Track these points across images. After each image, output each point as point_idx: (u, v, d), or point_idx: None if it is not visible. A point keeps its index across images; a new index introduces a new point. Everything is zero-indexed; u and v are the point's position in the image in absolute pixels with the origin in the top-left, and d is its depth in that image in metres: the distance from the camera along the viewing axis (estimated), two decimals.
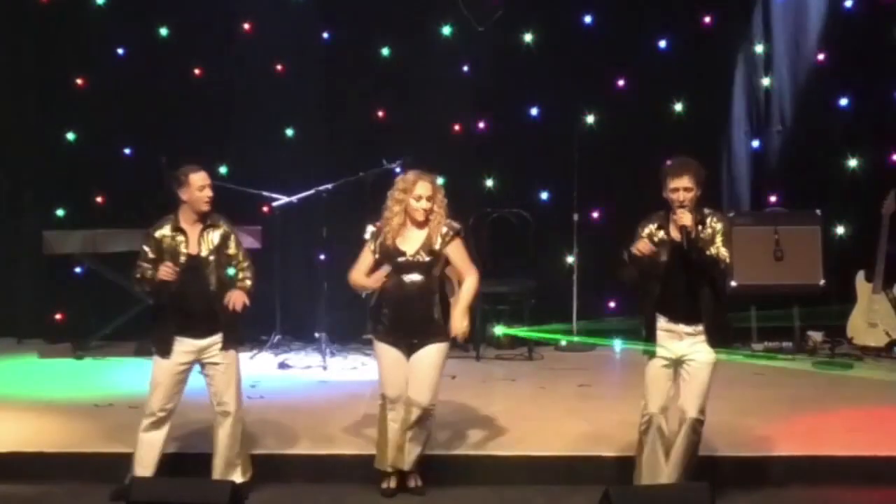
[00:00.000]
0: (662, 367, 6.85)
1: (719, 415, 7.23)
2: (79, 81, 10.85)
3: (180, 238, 6.95)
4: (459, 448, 7.52)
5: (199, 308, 6.96)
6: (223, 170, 10.76)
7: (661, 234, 6.80)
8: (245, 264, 7.15)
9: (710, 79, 10.54)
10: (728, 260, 6.73)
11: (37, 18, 10.82)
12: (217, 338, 7.01)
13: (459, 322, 7.11)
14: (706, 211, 6.84)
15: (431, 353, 7.09)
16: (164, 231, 6.98)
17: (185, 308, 6.94)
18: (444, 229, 7.11)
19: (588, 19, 10.67)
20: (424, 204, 7.08)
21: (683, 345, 6.80)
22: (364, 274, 7.17)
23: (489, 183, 10.82)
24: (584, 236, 10.63)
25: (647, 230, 6.84)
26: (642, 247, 6.72)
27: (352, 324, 10.58)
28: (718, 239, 6.74)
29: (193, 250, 6.95)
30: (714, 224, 6.78)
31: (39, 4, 10.80)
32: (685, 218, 6.65)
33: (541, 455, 7.58)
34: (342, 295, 10.32)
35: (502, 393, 9.10)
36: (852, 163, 10.53)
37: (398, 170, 10.70)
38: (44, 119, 10.86)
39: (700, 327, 6.78)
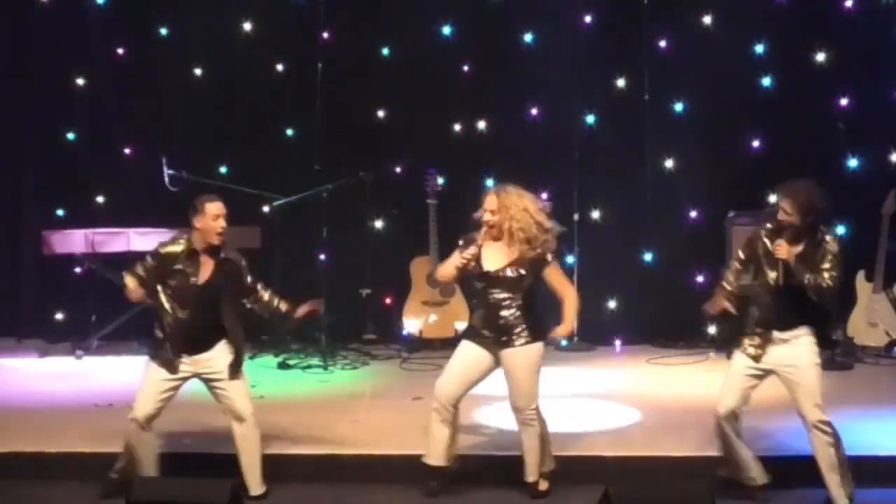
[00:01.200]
0: (748, 367, 6.90)
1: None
2: (79, 81, 10.86)
3: (190, 268, 6.92)
4: (459, 448, 7.50)
5: (204, 336, 6.98)
6: (223, 170, 10.78)
7: (769, 245, 6.85)
8: (268, 292, 7.23)
9: (711, 79, 10.53)
10: (830, 284, 6.75)
11: (37, 18, 10.81)
12: (213, 352, 7.01)
13: (564, 329, 7.18)
14: (822, 230, 6.88)
15: (524, 356, 7.06)
16: (174, 249, 6.95)
17: (191, 336, 6.94)
18: (535, 254, 7.04)
19: (588, 19, 10.67)
20: (487, 216, 7.05)
21: (779, 352, 6.87)
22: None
23: (489, 183, 10.81)
24: (585, 236, 10.63)
25: (758, 236, 6.94)
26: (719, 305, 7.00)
27: (352, 324, 10.60)
28: (827, 263, 6.76)
29: (202, 280, 6.94)
30: (827, 246, 6.81)
31: (39, 4, 10.80)
32: (781, 251, 6.73)
33: None
34: (342, 295, 10.36)
35: (502, 393, 9.08)
36: (852, 163, 10.53)
37: (398, 170, 10.75)
38: (44, 119, 10.85)
39: (798, 331, 6.85)
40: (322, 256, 10.39)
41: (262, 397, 8.94)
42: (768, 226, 6.92)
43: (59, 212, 10.85)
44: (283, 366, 9.95)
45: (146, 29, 10.79)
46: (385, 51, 10.77)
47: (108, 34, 10.81)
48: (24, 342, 10.79)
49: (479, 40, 10.70)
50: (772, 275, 6.82)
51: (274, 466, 7.41)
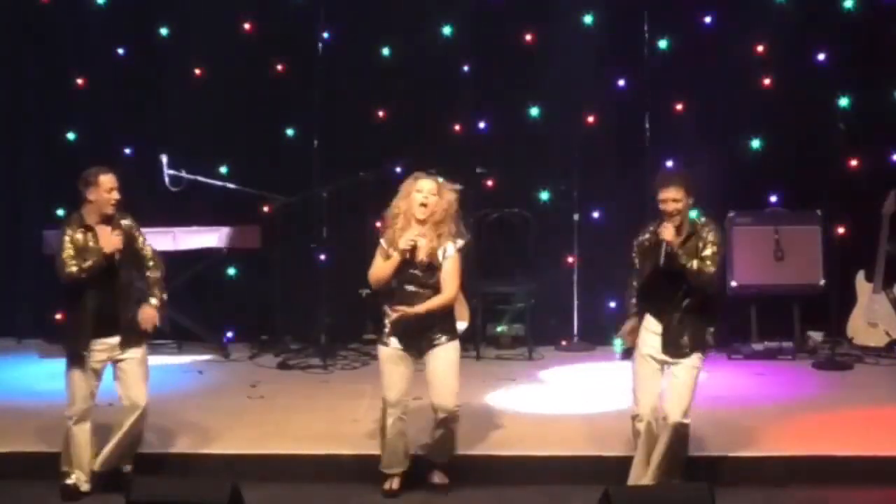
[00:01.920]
0: (650, 366, 6.88)
1: (719, 415, 7.24)
2: (79, 81, 10.85)
3: (90, 235, 7.01)
4: (459, 448, 7.51)
5: (111, 307, 7.03)
6: (223, 170, 10.77)
7: (653, 240, 6.89)
8: (152, 263, 7.21)
9: (711, 79, 10.53)
10: (710, 271, 6.77)
11: (37, 18, 10.81)
12: (127, 335, 7.08)
13: (402, 313, 7.08)
14: (702, 220, 6.90)
15: (448, 354, 7.11)
16: (72, 230, 7.04)
17: (99, 308, 7.01)
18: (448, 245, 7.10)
19: (588, 19, 10.67)
20: (424, 196, 7.10)
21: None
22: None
23: (489, 183, 10.81)
24: (585, 236, 10.63)
25: (644, 238, 6.96)
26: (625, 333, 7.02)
27: (352, 324, 10.59)
28: (707, 251, 6.78)
29: (108, 250, 7.00)
30: (706, 235, 6.84)
31: (39, 4, 10.80)
32: (666, 232, 6.77)
33: (541, 455, 7.59)
34: (342, 295, 10.35)
35: (502, 393, 9.10)
36: (852, 163, 10.53)
37: (399, 170, 10.74)
38: (44, 119, 10.85)
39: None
40: (322, 256, 10.39)
41: (262, 397, 8.96)
42: (651, 228, 6.95)
43: (60, 212, 10.83)
44: (283, 366, 9.95)
45: (146, 29, 10.78)
46: (385, 51, 10.76)
47: (108, 34, 10.81)
48: (24, 342, 10.78)
49: (479, 40, 10.69)
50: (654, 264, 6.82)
51: (274, 466, 7.43)
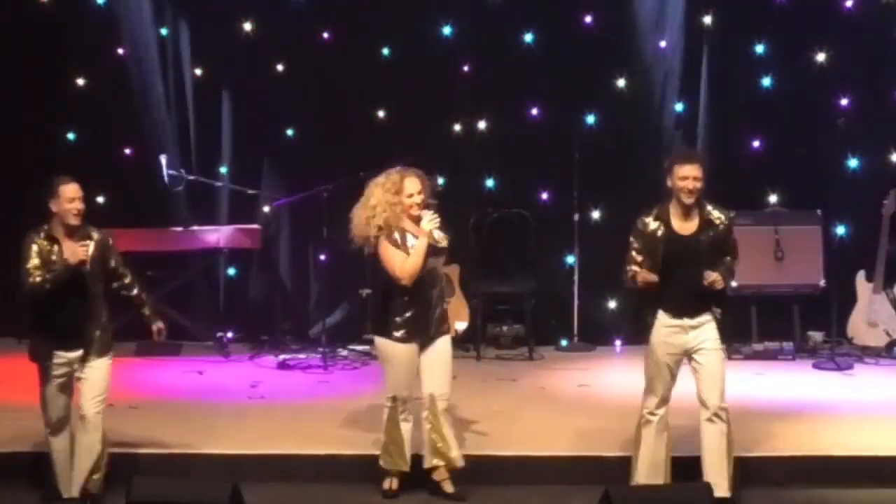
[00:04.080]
0: (666, 361, 6.84)
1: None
2: (79, 81, 10.85)
3: (55, 248, 6.90)
4: (459, 448, 7.50)
5: (76, 319, 6.95)
6: (223, 170, 10.77)
7: (662, 230, 6.79)
8: (129, 280, 7.15)
9: (710, 79, 10.53)
10: (736, 267, 6.84)
11: (37, 18, 10.81)
12: (90, 348, 6.99)
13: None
14: (709, 207, 6.85)
15: (447, 346, 7.16)
16: (40, 241, 6.95)
17: (61, 321, 6.93)
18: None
19: (588, 19, 10.67)
20: (418, 199, 7.10)
21: (689, 337, 6.81)
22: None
23: (489, 183, 10.82)
24: (585, 236, 10.63)
25: (649, 225, 6.82)
26: (644, 278, 6.70)
27: (352, 324, 10.59)
28: (730, 245, 6.79)
29: (73, 261, 6.87)
30: (722, 218, 6.83)
31: (39, 4, 10.80)
32: (712, 279, 6.69)
33: (541, 455, 7.59)
34: (342, 295, 10.36)
35: (502, 393, 9.10)
36: (852, 163, 10.53)
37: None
38: (44, 119, 10.85)
39: (705, 317, 6.79)
40: (322, 256, 10.39)
41: (262, 397, 8.96)
42: (655, 212, 6.84)
43: None
44: (283, 366, 9.95)
45: (146, 29, 10.78)
46: (385, 51, 10.76)
47: (108, 34, 10.81)
48: (24, 342, 10.75)
49: (479, 40, 10.69)
50: (668, 255, 6.73)
51: (274, 466, 7.43)
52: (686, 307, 6.79)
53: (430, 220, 7.03)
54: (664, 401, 6.92)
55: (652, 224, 6.83)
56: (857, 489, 7.03)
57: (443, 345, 7.16)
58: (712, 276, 6.70)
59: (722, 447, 6.83)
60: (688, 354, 6.86)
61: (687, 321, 6.80)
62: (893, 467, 7.38)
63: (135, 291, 7.18)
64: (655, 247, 6.77)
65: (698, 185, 6.72)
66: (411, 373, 7.14)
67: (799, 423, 8.10)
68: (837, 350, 10.11)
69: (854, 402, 8.70)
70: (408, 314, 7.06)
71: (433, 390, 7.11)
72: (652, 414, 6.91)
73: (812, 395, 8.95)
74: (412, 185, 7.11)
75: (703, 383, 6.84)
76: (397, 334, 7.08)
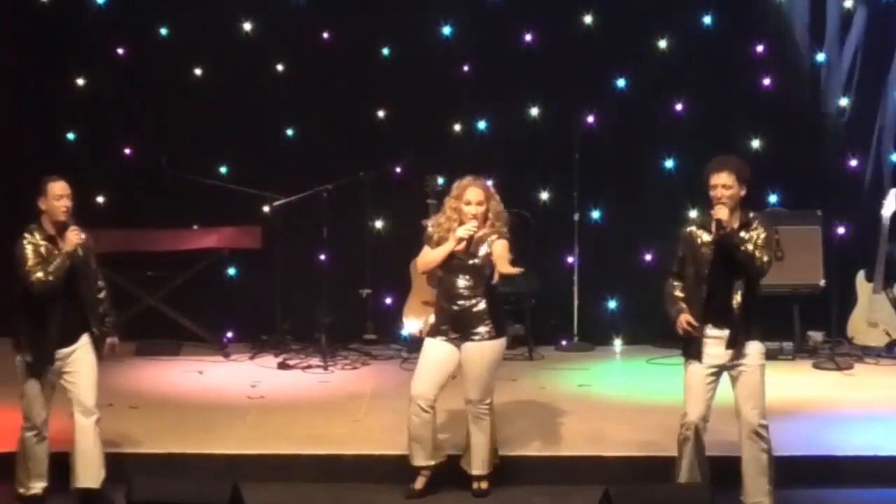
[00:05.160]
0: (706, 374, 6.79)
1: (720, 415, 7.22)
2: (79, 81, 10.85)
3: (48, 244, 6.91)
4: (458, 449, 7.51)
5: (74, 318, 6.96)
6: (223, 170, 10.77)
7: (704, 236, 6.78)
8: (101, 284, 7.14)
9: (711, 79, 10.53)
10: (765, 260, 6.68)
11: (37, 18, 10.81)
12: (79, 342, 6.98)
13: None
14: (752, 215, 6.82)
15: (486, 351, 7.11)
16: (34, 239, 6.94)
17: (62, 320, 6.92)
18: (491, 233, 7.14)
19: (588, 19, 10.67)
20: (474, 209, 7.08)
21: (728, 350, 6.76)
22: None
23: (489, 183, 10.79)
24: (585, 236, 10.63)
25: (692, 232, 6.83)
26: (684, 327, 6.74)
27: (352, 324, 10.60)
28: (759, 242, 6.70)
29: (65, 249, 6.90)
30: (756, 229, 6.73)
31: (39, 4, 10.80)
32: (720, 212, 6.65)
33: (541, 455, 7.59)
34: (342, 295, 10.36)
35: (502, 393, 9.09)
36: (852, 163, 10.53)
37: (399, 170, 10.74)
38: (44, 119, 10.85)
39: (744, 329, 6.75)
40: (322, 256, 10.39)
41: (262, 397, 8.97)
42: (695, 219, 6.89)
43: None
44: (283, 366, 9.95)
45: (146, 29, 10.78)
46: (385, 51, 10.77)
47: (108, 34, 10.81)
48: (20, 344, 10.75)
49: (479, 40, 10.70)
50: (712, 263, 6.71)
51: (274, 466, 7.43)
52: (724, 317, 6.73)
53: (465, 228, 7.05)
54: (704, 416, 6.82)
55: (695, 231, 6.84)
56: (858, 489, 7.03)
57: (474, 349, 7.11)
58: (721, 212, 6.64)
59: (761, 464, 6.78)
60: (727, 368, 6.81)
61: (728, 332, 6.76)
62: (893, 467, 7.38)
63: (102, 295, 7.17)
64: (697, 253, 6.78)
65: (727, 192, 6.69)
66: (428, 369, 7.12)
67: (799, 423, 8.10)
68: (837, 350, 10.11)
69: (854, 402, 8.70)
70: (437, 311, 7.18)
71: (465, 395, 7.17)
72: (690, 425, 6.84)
73: (812, 395, 8.95)
74: (473, 194, 7.15)
75: (741, 399, 6.78)
76: (429, 329, 7.24)
